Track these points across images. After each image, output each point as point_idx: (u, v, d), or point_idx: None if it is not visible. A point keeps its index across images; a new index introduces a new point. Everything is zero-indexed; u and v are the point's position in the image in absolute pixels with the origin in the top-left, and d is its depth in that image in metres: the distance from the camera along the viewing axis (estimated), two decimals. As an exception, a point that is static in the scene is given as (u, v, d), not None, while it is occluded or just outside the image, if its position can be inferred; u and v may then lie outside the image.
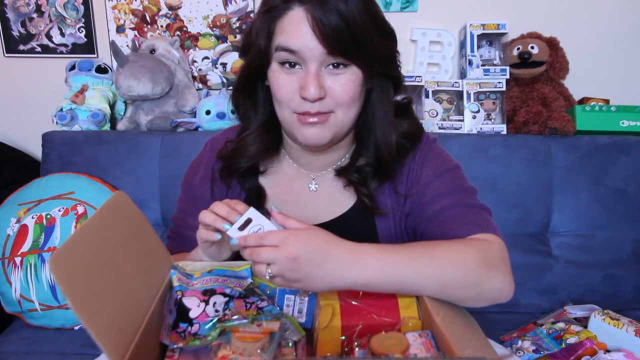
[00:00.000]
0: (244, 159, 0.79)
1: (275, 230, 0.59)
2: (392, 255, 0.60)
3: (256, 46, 0.71)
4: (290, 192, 0.83)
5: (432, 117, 1.57)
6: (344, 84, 0.68)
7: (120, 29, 1.69)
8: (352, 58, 0.67)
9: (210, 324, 0.57)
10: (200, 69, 1.70)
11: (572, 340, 1.07)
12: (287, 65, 0.69)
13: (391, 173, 0.78)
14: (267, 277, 0.58)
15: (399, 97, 0.80)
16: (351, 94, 0.69)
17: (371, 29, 0.67)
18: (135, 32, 1.69)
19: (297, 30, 0.65)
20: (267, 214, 0.81)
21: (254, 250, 0.58)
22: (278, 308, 0.62)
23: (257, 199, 0.82)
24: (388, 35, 0.72)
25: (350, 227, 0.79)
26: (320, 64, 0.67)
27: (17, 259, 1.36)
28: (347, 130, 0.76)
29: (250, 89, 0.78)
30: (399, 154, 0.77)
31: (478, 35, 1.56)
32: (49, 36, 1.69)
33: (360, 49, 0.67)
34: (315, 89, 0.67)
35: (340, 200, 0.81)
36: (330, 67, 0.68)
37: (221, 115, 1.52)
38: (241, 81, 0.78)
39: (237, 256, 0.71)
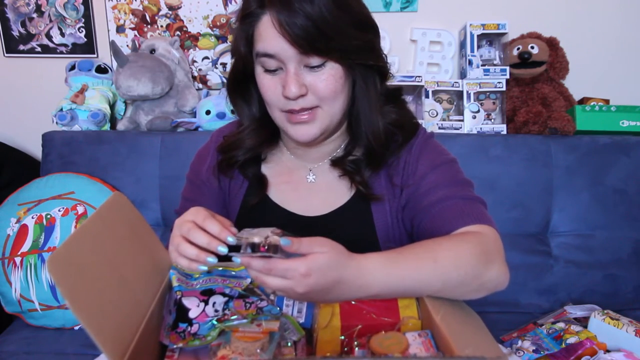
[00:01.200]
0: (240, 152, 0.82)
1: (283, 261, 0.54)
2: (398, 269, 0.60)
3: (239, 52, 0.74)
4: (289, 183, 0.85)
5: (432, 117, 1.56)
6: (325, 79, 0.70)
7: (120, 29, 1.69)
8: (326, 54, 0.69)
9: (210, 323, 0.57)
10: (200, 69, 1.70)
11: (572, 340, 1.07)
12: (269, 70, 0.71)
13: (383, 160, 0.79)
14: (272, 297, 0.59)
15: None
16: (333, 88, 0.71)
17: (344, 22, 0.68)
18: (135, 32, 1.69)
19: (270, 36, 0.67)
20: (270, 203, 0.81)
21: (259, 277, 0.55)
22: (278, 308, 0.62)
23: (259, 188, 0.84)
24: (364, 27, 0.72)
25: (347, 220, 0.81)
26: (297, 63, 0.69)
27: (17, 259, 1.36)
28: (337, 122, 0.77)
29: (242, 88, 0.80)
30: (388, 141, 0.78)
31: (478, 35, 1.56)
32: (49, 36, 1.69)
33: (333, 45, 0.68)
34: (295, 87, 0.69)
35: (338, 192, 0.82)
36: (309, 66, 0.70)
37: (221, 115, 1.53)
38: (231, 83, 0.80)
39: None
